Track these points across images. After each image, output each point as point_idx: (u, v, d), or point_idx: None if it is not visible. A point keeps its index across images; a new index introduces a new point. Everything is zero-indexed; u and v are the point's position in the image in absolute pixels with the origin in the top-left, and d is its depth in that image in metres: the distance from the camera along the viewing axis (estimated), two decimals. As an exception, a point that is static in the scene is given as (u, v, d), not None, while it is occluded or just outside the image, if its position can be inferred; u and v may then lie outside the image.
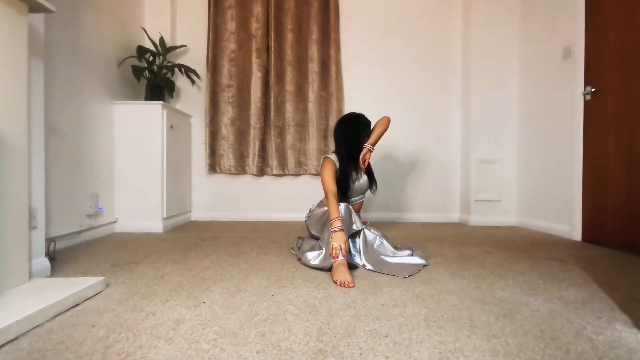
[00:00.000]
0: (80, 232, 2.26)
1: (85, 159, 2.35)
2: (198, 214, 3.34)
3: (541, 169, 2.83)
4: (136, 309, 1.15)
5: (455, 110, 3.33)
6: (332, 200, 1.75)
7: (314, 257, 1.68)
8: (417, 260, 1.74)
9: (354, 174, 2.07)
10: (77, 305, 1.18)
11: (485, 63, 3.11)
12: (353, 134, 2.05)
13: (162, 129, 2.68)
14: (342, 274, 1.46)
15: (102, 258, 1.84)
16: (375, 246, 1.80)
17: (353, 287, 1.40)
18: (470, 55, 3.13)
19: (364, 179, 2.11)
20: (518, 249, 2.10)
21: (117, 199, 2.65)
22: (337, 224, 1.65)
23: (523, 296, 1.29)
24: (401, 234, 2.63)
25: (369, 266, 1.67)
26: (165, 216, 2.72)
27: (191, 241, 2.32)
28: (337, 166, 2.00)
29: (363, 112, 2.14)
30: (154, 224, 2.66)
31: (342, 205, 1.78)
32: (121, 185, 2.65)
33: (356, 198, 2.16)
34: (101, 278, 1.31)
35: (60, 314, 1.11)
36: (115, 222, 2.65)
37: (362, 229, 1.83)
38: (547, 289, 1.38)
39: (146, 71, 2.87)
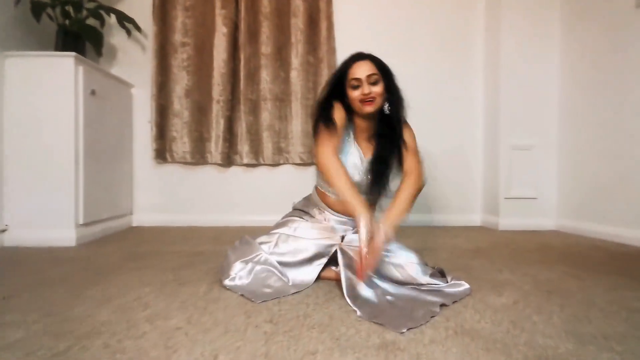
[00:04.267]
0: None
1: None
2: (142, 217, 2.48)
3: (595, 158, 2.17)
4: None
5: (478, 83, 2.63)
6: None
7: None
8: (456, 288, 1.10)
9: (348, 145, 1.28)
10: None
11: (517, 21, 2.42)
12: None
13: (75, 95, 1.82)
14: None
15: None
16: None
17: None
18: (500, 12, 2.43)
19: (363, 163, 1.26)
20: (611, 270, 1.40)
21: (6, 199, 1.78)
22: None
23: None
24: (420, 244, 1.90)
25: (359, 312, 0.95)
26: (81, 222, 1.86)
27: (112, 261, 1.49)
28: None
29: (375, 57, 1.35)
30: (64, 234, 1.80)
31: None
32: (13, 179, 1.78)
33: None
34: None
35: None
36: (5, 231, 1.78)
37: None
38: None
39: (57, 11, 1.99)
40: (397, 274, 1.14)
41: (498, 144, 2.45)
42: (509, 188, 2.42)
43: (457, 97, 2.62)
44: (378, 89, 1.20)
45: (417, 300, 1.02)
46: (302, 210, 1.38)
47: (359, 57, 1.23)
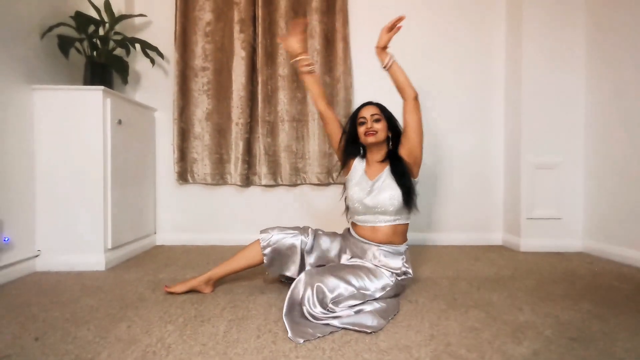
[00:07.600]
0: (-38, 281, 1.49)
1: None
2: (165, 236, 2.57)
3: (626, 177, 2.09)
4: None
5: (498, 96, 2.58)
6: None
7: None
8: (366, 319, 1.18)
9: (359, 166, 1.59)
10: None
11: (539, 31, 2.35)
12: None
13: (103, 125, 1.91)
14: None
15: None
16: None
17: None
18: (521, 21, 2.37)
19: (383, 183, 1.49)
20: (638, 307, 1.35)
21: (38, 225, 1.88)
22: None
23: None
24: (440, 270, 1.88)
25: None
26: (110, 246, 1.95)
27: (136, 291, 1.56)
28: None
29: (379, 103, 1.61)
30: (94, 259, 1.89)
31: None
32: (45, 205, 1.88)
33: (365, 217, 1.50)
34: None
35: None
36: (37, 256, 1.88)
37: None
38: None
39: (84, 44, 2.09)
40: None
41: (519, 162, 2.39)
42: (532, 208, 2.36)
43: (476, 112, 2.58)
44: (379, 125, 1.51)
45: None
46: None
47: (367, 103, 1.58)
